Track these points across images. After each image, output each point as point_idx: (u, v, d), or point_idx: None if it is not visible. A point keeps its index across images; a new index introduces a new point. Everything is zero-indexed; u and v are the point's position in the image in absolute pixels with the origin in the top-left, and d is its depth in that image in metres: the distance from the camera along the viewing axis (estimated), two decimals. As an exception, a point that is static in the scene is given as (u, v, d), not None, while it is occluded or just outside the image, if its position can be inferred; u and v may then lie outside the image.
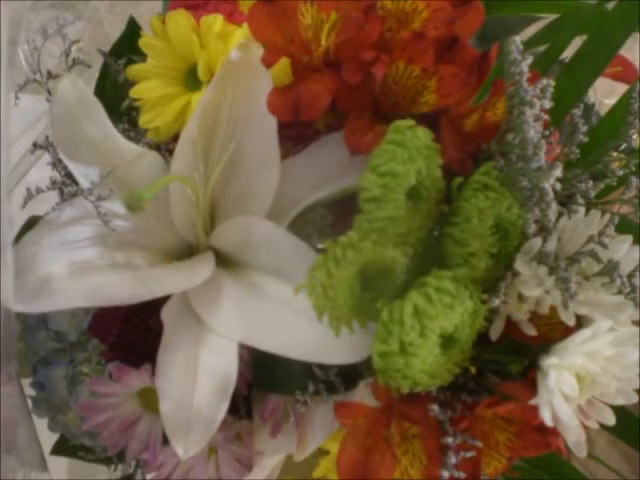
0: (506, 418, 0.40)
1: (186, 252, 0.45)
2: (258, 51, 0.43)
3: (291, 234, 0.41)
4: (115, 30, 0.54)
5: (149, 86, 0.47)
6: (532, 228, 0.38)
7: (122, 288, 0.41)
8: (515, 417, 0.39)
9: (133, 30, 0.51)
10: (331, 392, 0.42)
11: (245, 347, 0.42)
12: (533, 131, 0.37)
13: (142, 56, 0.48)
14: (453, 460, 0.38)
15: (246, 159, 0.44)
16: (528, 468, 0.45)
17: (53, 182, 0.46)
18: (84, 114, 0.46)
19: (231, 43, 0.45)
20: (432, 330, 0.36)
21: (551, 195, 0.36)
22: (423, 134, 0.37)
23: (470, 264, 0.38)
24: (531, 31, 0.49)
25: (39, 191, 0.46)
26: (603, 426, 0.39)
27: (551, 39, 0.46)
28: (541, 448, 0.40)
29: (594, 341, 0.37)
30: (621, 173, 0.40)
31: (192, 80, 0.46)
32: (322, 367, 0.41)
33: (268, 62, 0.42)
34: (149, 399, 0.44)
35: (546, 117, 0.38)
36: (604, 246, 0.37)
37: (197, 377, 0.40)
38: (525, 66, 0.37)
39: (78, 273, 0.41)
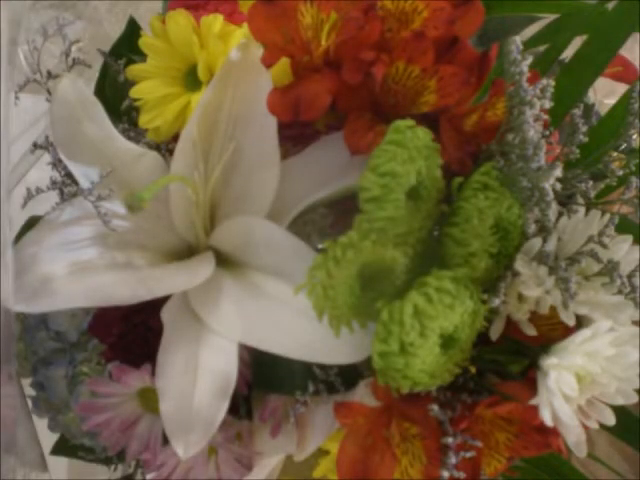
0: (506, 418, 0.40)
1: (186, 252, 0.45)
2: (258, 51, 0.43)
3: (291, 234, 0.41)
4: (115, 30, 0.54)
5: (149, 86, 0.47)
6: (532, 228, 0.38)
7: (122, 288, 0.41)
8: (515, 417, 0.39)
9: (133, 30, 0.51)
10: (331, 392, 0.42)
11: (245, 347, 0.42)
12: (533, 131, 0.37)
13: (142, 56, 0.48)
14: (453, 460, 0.38)
15: (246, 159, 0.44)
16: (528, 468, 0.45)
17: (53, 182, 0.46)
18: (84, 114, 0.46)
19: (231, 43, 0.45)
20: (432, 330, 0.36)
21: (551, 195, 0.36)
22: (423, 134, 0.37)
23: (470, 264, 0.38)
24: (531, 31, 0.49)
25: (39, 191, 0.46)
26: (603, 426, 0.39)
27: (551, 39, 0.46)
28: (541, 448, 0.40)
29: (594, 341, 0.37)
30: (621, 173, 0.40)
31: (192, 80, 0.47)
32: (322, 367, 0.41)
33: (268, 62, 0.42)
34: (149, 399, 0.44)
35: (546, 117, 0.38)
36: (604, 246, 0.37)
37: (197, 377, 0.40)
38: (525, 66, 0.37)
39: (78, 273, 0.41)
